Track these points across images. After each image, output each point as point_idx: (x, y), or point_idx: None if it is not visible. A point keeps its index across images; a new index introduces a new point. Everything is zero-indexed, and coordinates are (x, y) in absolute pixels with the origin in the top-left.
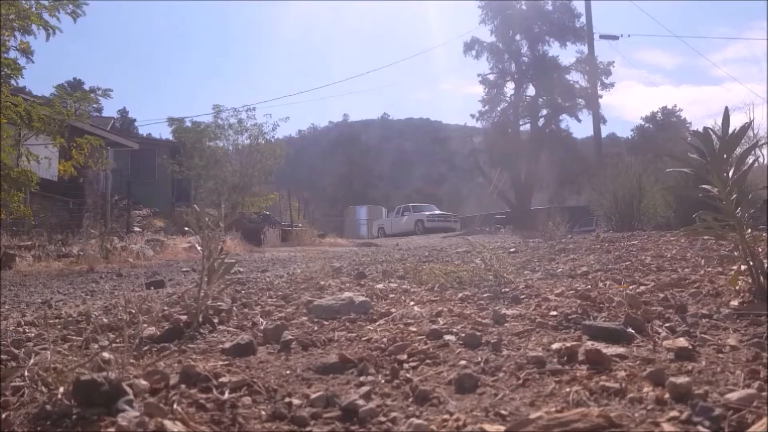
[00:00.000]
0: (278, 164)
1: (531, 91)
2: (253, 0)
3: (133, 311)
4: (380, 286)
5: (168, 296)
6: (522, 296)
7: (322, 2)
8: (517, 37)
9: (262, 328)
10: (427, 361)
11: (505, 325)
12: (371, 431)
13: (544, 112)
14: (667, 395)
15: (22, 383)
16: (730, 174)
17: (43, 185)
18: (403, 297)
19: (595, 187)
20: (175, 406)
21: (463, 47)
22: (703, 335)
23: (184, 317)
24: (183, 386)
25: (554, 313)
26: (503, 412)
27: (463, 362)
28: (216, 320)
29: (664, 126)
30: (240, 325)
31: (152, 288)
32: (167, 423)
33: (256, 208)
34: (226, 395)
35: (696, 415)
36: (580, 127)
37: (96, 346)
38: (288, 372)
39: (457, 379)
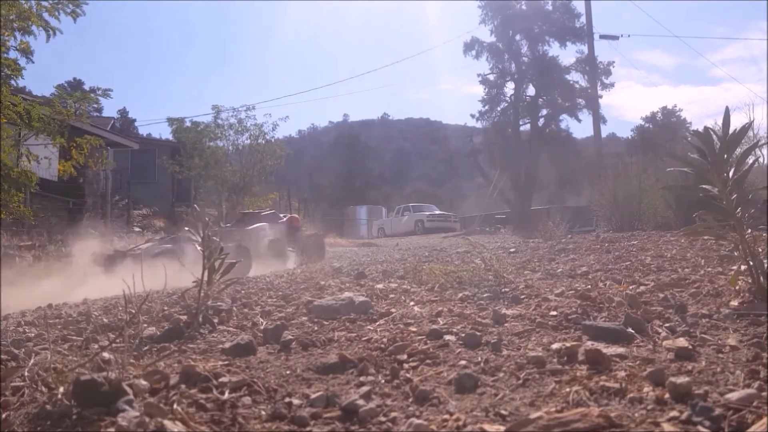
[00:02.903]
0: (278, 164)
1: (531, 91)
2: (253, 0)
3: (133, 311)
4: (380, 286)
5: (168, 296)
6: (522, 296)
7: (322, 2)
8: (517, 37)
9: (262, 328)
10: (427, 361)
11: (505, 325)
12: (371, 431)
13: (544, 112)
14: (667, 395)
15: (22, 383)
16: (731, 174)
17: (43, 185)
18: (403, 297)
19: (595, 187)
20: (175, 406)
21: (463, 47)
22: (703, 335)
23: (184, 317)
24: (183, 386)
25: (554, 313)
26: (503, 412)
27: (463, 362)
28: (216, 320)
29: (664, 126)
30: (240, 325)
31: (152, 288)
32: (167, 423)
33: (256, 208)
34: (226, 395)
35: (696, 415)
36: (580, 127)
37: (96, 346)
38: (288, 372)
39: (457, 379)
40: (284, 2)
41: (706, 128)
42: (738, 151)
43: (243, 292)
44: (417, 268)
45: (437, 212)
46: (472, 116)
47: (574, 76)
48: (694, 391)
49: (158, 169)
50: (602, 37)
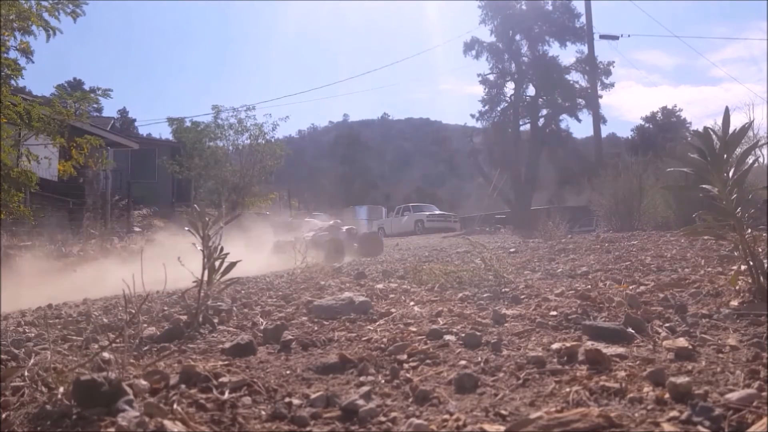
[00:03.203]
0: (278, 164)
1: (531, 91)
2: (253, 0)
3: (133, 311)
4: (380, 286)
5: (168, 296)
6: (522, 296)
7: (322, 2)
8: (517, 37)
9: (262, 328)
10: (427, 361)
11: (505, 325)
12: (371, 431)
13: (544, 112)
14: (667, 395)
15: (22, 383)
16: (730, 174)
17: (43, 185)
18: (403, 297)
19: (595, 187)
20: (175, 406)
21: (463, 47)
22: (703, 335)
23: (184, 317)
24: (183, 386)
25: (554, 313)
26: (503, 412)
27: (463, 362)
28: (216, 320)
29: (664, 126)
30: (240, 325)
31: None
32: (167, 423)
33: (256, 208)
34: (226, 395)
35: (696, 415)
36: (580, 127)
37: (96, 346)
38: (288, 372)
39: (457, 379)
40: (284, 2)
41: (706, 128)
42: (738, 151)
43: (243, 292)
44: (417, 268)
45: (437, 212)
46: (472, 116)
47: (574, 76)
48: (694, 391)
49: (158, 169)
50: (602, 37)
